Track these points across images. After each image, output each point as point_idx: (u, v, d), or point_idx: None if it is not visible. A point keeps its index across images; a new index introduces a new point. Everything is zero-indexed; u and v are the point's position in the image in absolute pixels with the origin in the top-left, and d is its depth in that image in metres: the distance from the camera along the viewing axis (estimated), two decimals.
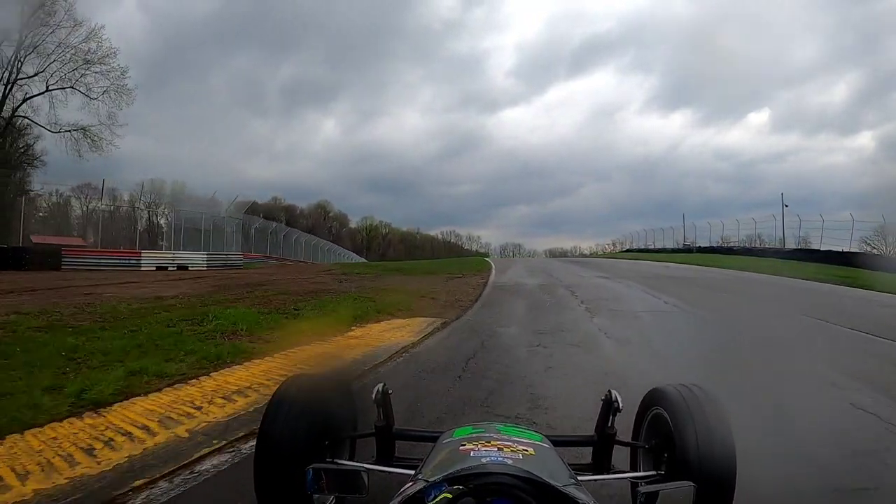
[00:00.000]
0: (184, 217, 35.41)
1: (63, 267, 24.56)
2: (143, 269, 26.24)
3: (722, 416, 2.22)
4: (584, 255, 70.47)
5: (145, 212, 59.00)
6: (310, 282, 17.62)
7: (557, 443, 2.08)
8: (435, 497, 1.32)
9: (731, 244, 42.69)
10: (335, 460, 2.35)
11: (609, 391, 2.54)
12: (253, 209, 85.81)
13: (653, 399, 2.52)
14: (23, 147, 38.05)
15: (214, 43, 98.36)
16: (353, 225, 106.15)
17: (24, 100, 35.52)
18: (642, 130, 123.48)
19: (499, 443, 1.70)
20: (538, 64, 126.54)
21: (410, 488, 1.43)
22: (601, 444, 2.59)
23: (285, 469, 2.09)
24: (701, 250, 43.58)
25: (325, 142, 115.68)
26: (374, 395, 2.51)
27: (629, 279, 18.59)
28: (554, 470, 1.57)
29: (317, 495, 2.07)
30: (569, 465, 1.77)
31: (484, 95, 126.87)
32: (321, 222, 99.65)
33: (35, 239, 34.45)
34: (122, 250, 28.64)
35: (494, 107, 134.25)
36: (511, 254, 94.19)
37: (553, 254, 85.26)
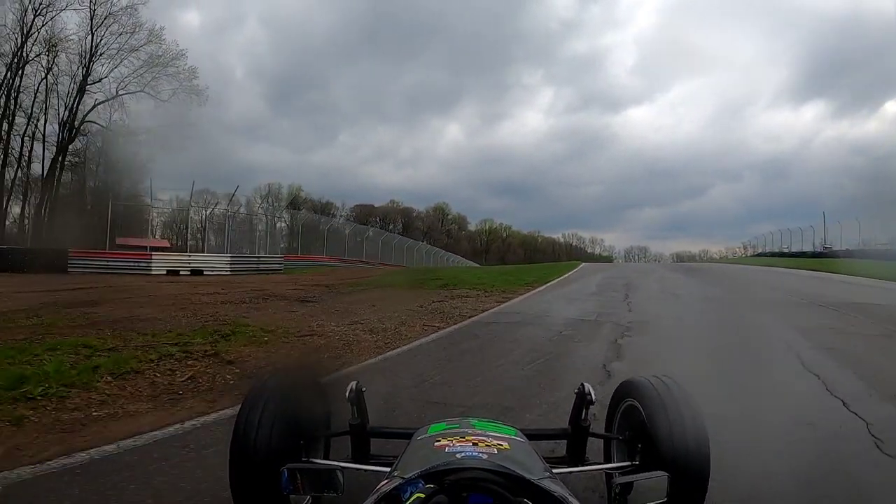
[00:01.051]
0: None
1: (70, 270, 22.53)
2: (153, 272, 23.21)
3: (694, 407, 2.25)
4: (714, 261, 63.04)
5: (263, 216, 60.81)
6: (232, 301, 11.95)
7: (532, 436, 2.12)
8: (411, 494, 1.31)
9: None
10: (310, 460, 2.31)
11: (582, 384, 2.52)
12: (369, 212, 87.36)
13: (625, 391, 2.55)
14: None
15: (338, 54, 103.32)
16: (472, 228, 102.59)
17: (94, 105, 36.24)
18: (772, 126, 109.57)
19: (473, 438, 1.70)
20: (660, 60, 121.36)
21: (386, 486, 1.39)
22: (575, 436, 2.58)
23: (261, 470, 2.05)
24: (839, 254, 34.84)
25: (449, 146, 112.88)
26: (347, 394, 2.46)
27: (786, 316, 10.33)
28: (529, 463, 1.57)
29: (293, 496, 2.00)
30: (543, 458, 1.78)
31: (606, 95, 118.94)
32: (438, 225, 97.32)
33: (119, 241, 35.19)
34: (132, 252, 26.01)
35: (617, 106, 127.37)
36: (637, 258, 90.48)
37: (680, 258, 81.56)
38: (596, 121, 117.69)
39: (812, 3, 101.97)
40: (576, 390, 2.57)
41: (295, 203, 76.56)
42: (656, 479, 1.83)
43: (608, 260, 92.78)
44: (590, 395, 2.47)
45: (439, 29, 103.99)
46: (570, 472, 2.35)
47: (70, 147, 37.06)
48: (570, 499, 1.35)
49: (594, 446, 2.61)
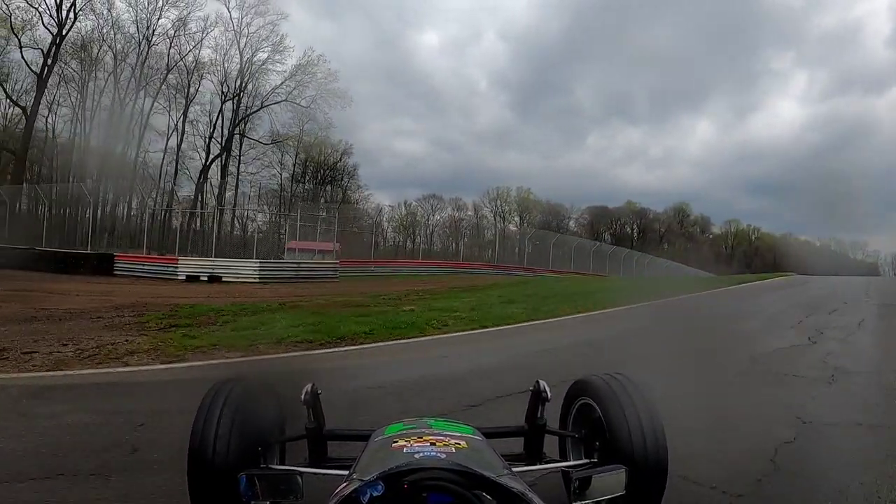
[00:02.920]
0: None
1: (115, 272, 22.42)
2: (179, 277, 21.53)
3: (649, 403, 2.26)
4: None
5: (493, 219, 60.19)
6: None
7: (489, 434, 2.10)
8: (370, 496, 1.31)
9: None
10: (269, 466, 2.25)
11: (537, 381, 2.53)
12: (603, 213, 79.48)
13: (578, 390, 2.55)
14: None
15: (575, 58, 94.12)
16: (716, 230, 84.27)
17: (245, 116, 38.24)
18: None
19: (431, 437, 1.70)
20: None
21: (345, 489, 1.39)
22: (532, 434, 2.59)
23: (219, 478, 1.98)
24: None
25: (700, 144, 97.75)
26: (303, 397, 2.42)
27: None
28: (487, 461, 1.57)
29: (252, 502, 1.94)
30: (501, 456, 1.78)
31: (864, 73, 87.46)
32: (677, 228, 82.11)
33: (288, 246, 37.64)
34: (164, 257, 25.05)
35: (880, 86, 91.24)
36: None
37: None
38: (857, 104, 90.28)
39: None
40: (531, 388, 2.58)
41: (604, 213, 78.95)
42: (614, 474, 1.88)
43: (872, 268, 69.99)
44: (545, 392, 2.49)
45: (680, 18, 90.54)
46: (530, 470, 2.32)
47: None
48: (530, 495, 1.36)
49: (550, 442, 2.63)
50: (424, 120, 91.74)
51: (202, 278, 21.21)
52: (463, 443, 1.67)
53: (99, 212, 27.73)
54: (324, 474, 2.13)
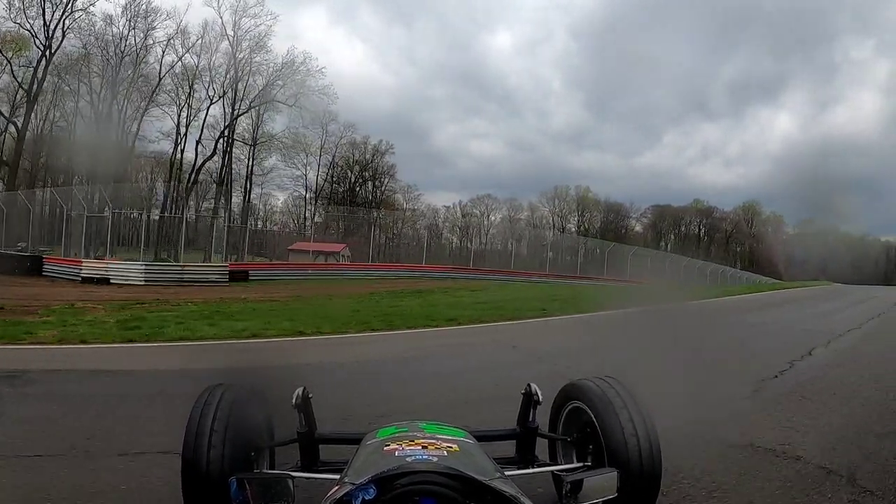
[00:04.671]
0: None
1: (44, 273, 24.92)
2: (77, 278, 23.37)
3: (641, 406, 2.27)
4: None
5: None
6: None
7: (481, 438, 2.14)
8: (362, 499, 1.31)
9: None
10: (261, 470, 2.30)
11: (528, 385, 2.58)
12: (666, 212, 74.19)
13: (569, 394, 2.58)
14: None
15: (650, 54, 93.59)
16: (790, 231, 74.51)
17: (235, 117, 40.14)
18: None
19: (423, 441, 1.70)
20: None
21: (337, 492, 1.40)
22: (524, 437, 2.61)
23: (211, 483, 1.99)
24: None
25: (779, 140, 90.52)
26: (294, 400, 2.42)
27: None
28: (479, 465, 1.60)
29: None
30: (494, 459, 1.81)
31: None
32: (746, 227, 73.74)
33: (291, 247, 40.81)
34: (72, 259, 26.69)
35: None
36: None
37: None
38: None
39: None
40: (522, 391, 2.62)
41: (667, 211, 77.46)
42: (606, 476, 1.86)
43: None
44: (536, 395, 2.53)
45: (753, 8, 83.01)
46: (522, 474, 2.34)
47: None
48: (522, 498, 1.37)
49: (542, 446, 2.66)
50: (498, 121, 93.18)
51: (95, 279, 22.86)
52: (455, 446, 1.69)
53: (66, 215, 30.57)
54: (315, 478, 2.18)
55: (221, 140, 40.79)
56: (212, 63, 39.63)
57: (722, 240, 73.95)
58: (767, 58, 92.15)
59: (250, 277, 26.92)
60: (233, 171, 44.33)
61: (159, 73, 38.18)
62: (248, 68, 40.59)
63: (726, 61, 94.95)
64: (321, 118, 53.35)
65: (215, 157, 41.36)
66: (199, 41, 38.99)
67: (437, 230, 59.76)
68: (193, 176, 40.51)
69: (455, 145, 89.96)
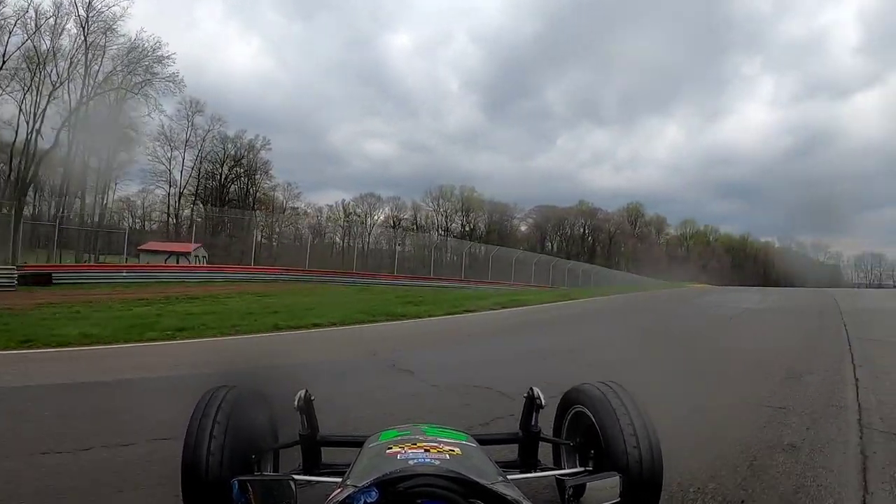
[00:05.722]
0: None
1: None
2: None
3: (643, 411, 2.28)
4: None
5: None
6: None
7: (483, 441, 2.12)
8: (364, 502, 1.32)
9: None
10: (262, 473, 2.28)
11: (531, 388, 2.57)
12: (550, 213, 76.59)
13: (572, 398, 2.58)
14: None
15: (547, 60, 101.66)
16: (672, 231, 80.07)
17: (79, 104, 37.11)
18: None
19: (425, 444, 1.72)
20: (888, 34, 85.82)
21: (339, 495, 1.40)
22: (527, 441, 2.61)
23: (213, 486, 1.98)
24: None
25: (669, 147, 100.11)
26: (296, 403, 2.43)
27: None
28: (481, 468, 1.58)
29: None
30: (496, 462, 1.79)
31: (831, 80, 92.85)
32: (629, 228, 77.67)
33: (141, 247, 38.18)
34: None
35: (846, 92, 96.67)
36: (870, 266, 75.74)
37: None
38: (824, 110, 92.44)
39: None
40: (525, 395, 2.62)
41: (552, 213, 79.35)
42: (609, 480, 1.85)
43: (834, 271, 74.46)
44: (539, 399, 2.52)
45: (649, 22, 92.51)
46: (524, 478, 2.39)
47: None
48: (524, 502, 1.37)
49: (544, 450, 2.66)
50: (394, 121, 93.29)
51: None
52: (457, 449, 1.70)
53: None
54: (318, 481, 2.15)
55: (66, 129, 37.66)
56: (55, 46, 36.51)
57: (606, 241, 77.39)
58: (659, 70, 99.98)
59: (55, 281, 25.04)
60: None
61: (3, 55, 34.72)
62: (97, 53, 37.67)
63: (620, 71, 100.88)
64: (188, 109, 51.32)
65: (59, 147, 38.20)
66: (46, 22, 35.66)
67: (321, 230, 58.62)
68: (34, 168, 37.22)
69: (350, 144, 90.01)
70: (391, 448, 1.69)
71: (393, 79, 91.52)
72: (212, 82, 70.50)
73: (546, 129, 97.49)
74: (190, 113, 52.30)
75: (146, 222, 54.38)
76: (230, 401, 2.24)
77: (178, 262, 38.25)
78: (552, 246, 75.29)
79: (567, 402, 2.62)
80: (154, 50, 39.16)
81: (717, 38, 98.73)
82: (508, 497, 1.35)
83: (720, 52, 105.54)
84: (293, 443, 2.48)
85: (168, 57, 39.59)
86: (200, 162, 55.21)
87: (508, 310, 16.18)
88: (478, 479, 1.38)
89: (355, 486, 1.37)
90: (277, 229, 54.58)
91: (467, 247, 48.35)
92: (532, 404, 2.56)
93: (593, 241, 76.91)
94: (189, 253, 41.77)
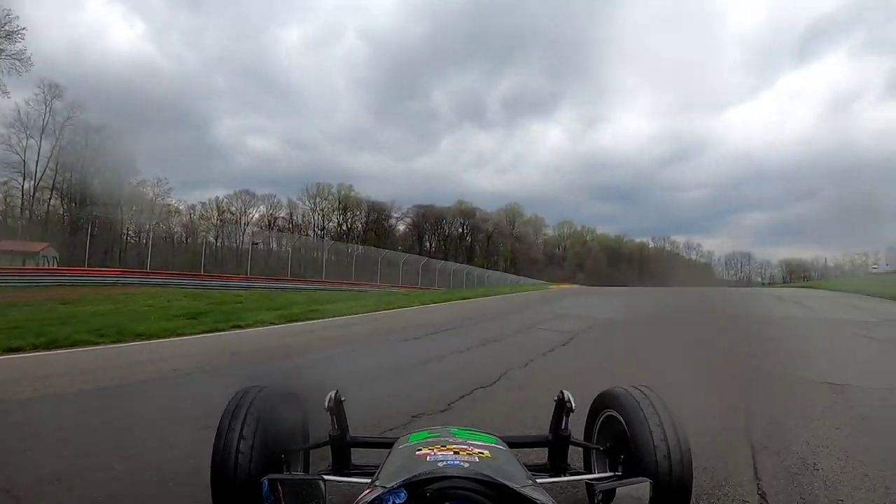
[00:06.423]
0: None
1: None
2: None
3: (674, 416, 2.27)
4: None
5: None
6: None
7: (513, 444, 2.16)
8: (392, 503, 1.33)
9: None
10: (291, 473, 2.31)
11: (561, 392, 2.53)
12: (428, 212, 79.04)
13: (604, 402, 2.56)
14: None
15: (434, 63, 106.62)
16: (550, 232, 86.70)
17: None
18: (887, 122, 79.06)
19: (454, 446, 1.72)
20: (763, 56, 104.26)
21: (368, 495, 1.41)
22: (556, 445, 2.59)
23: (242, 485, 2.01)
24: None
25: (551, 151, 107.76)
26: (327, 403, 2.43)
27: None
28: (511, 471, 1.58)
29: None
30: (525, 466, 1.81)
31: (708, 94, 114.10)
32: (508, 228, 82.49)
33: None
34: None
35: (721, 106, 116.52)
36: (739, 265, 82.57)
37: (790, 266, 75.35)
38: (698, 122, 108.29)
39: None
40: (555, 398, 2.58)
41: (431, 211, 79.07)
42: (639, 486, 1.83)
43: (706, 269, 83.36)
44: (569, 402, 2.49)
45: (532, 34, 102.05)
46: (554, 482, 2.39)
47: None
48: None
49: (574, 454, 2.63)
50: (279, 117, 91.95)
51: None
52: (486, 452, 1.70)
53: None
54: (347, 481, 2.13)
55: None
56: None
57: (484, 241, 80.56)
58: (542, 78, 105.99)
59: None
60: None
61: None
62: None
63: (503, 77, 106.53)
64: (45, 94, 47.66)
65: None
66: None
67: (193, 228, 58.00)
68: None
69: (233, 140, 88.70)
70: (421, 450, 1.69)
71: (279, 74, 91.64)
72: (88, 67, 66.44)
73: (431, 130, 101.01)
74: (48, 98, 48.73)
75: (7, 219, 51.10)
76: (261, 400, 2.26)
77: (23, 264, 36.93)
78: (430, 245, 77.71)
79: (598, 406, 2.60)
80: (2, 24, 36.78)
81: (597, 51, 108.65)
82: (537, 501, 1.34)
83: (601, 64, 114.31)
84: (323, 443, 2.48)
85: (17, 32, 37.34)
86: (56, 151, 52.05)
87: (296, 324, 11.96)
88: (507, 483, 1.38)
89: (384, 487, 1.38)
90: (147, 227, 53.32)
91: (329, 245, 49.19)
92: (562, 408, 2.52)
93: (472, 241, 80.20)
94: (37, 252, 40.33)
